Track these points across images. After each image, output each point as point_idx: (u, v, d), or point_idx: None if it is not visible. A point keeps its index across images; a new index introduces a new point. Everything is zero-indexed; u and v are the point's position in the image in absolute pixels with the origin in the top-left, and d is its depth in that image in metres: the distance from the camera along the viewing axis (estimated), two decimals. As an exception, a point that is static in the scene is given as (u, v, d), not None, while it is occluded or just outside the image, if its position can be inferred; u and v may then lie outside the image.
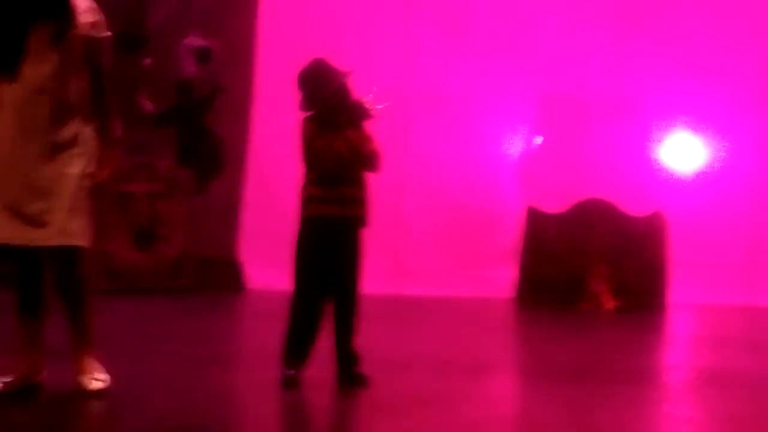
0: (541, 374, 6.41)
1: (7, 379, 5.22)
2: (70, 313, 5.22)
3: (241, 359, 5.97)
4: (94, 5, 5.23)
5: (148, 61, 10.10)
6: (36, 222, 5.05)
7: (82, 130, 5.17)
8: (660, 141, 9.80)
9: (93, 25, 5.19)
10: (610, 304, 9.26)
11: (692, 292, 9.50)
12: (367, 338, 5.76)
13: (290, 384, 5.56)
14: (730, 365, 6.75)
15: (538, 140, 9.98)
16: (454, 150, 9.89)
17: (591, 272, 9.41)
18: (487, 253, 9.80)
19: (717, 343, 7.77)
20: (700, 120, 9.70)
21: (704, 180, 9.72)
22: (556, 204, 9.74)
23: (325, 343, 5.65)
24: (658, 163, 9.80)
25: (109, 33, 5.26)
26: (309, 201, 5.62)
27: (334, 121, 5.62)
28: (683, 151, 9.83)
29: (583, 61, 9.83)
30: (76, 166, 5.12)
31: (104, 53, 5.23)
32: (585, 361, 6.84)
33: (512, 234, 9.76)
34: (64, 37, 5.08)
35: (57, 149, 5.08)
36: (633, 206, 9.64)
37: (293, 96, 5.62)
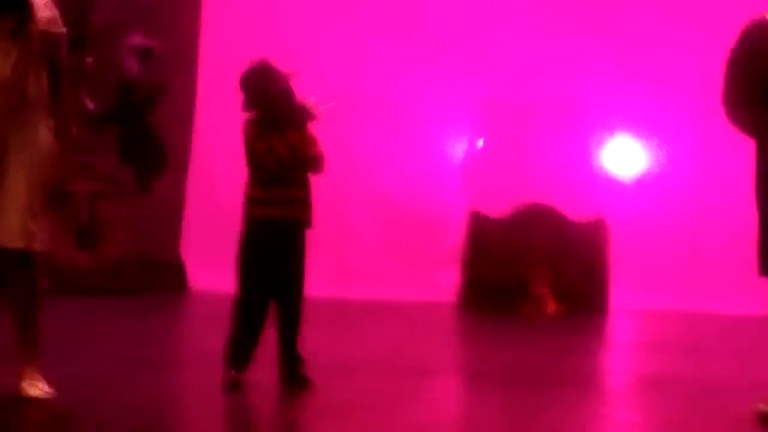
0: (484, 378, 6.43)
1: None
2: (19, 319, 5.09)
3: (184, 361, 5.95)
4: (50, 1, 5.12)
5: (89, 59, 10.01)
6: None
7: (40, 128, 5.05)
8: (601, 146, 9.85)
9: (50, 20, 5.07)
10: (551, 308, 9.31)
11: (633, 296, 9.57)
12: (311, 341, 5.75)
13: (233, 387, 5.54)
14: (670, 369, 6.81)
15: (480, 144, 10.01)
16: (397, 153, 9.89)
17: (533, 276, 9.45)
18: (431, 257, 9.81)
19: (657, 348, 7.83)
20: (641, 125, 9.78)
21: (645, 185, 9.80)
22: (498, 208, 9.76)
23: (268, 346, 5.63)
24: (600, 168, 9.85)
25: (65, 29, 5.15)
26: (252, 202, 5.60)
27: (276, 123, 5.61)
28: (624, 156, 9.90)
29: (525, 66, 9.87)
30: (34, 166, 5.00)
31: (61, 49, 5.12)
32: (527, 365, 6.87)
33: (455, 238, 9.78)
34: (23, 31, 4.95)
35: (15, 148, 4.97)
36: (575, 211, 9.69)
37: (237, 96, 5.59)
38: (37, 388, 5.04)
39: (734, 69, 5.18)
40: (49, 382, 5.10)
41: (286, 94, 5.64)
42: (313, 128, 5.72)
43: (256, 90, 5.60)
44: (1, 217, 4.93)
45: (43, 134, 5.06)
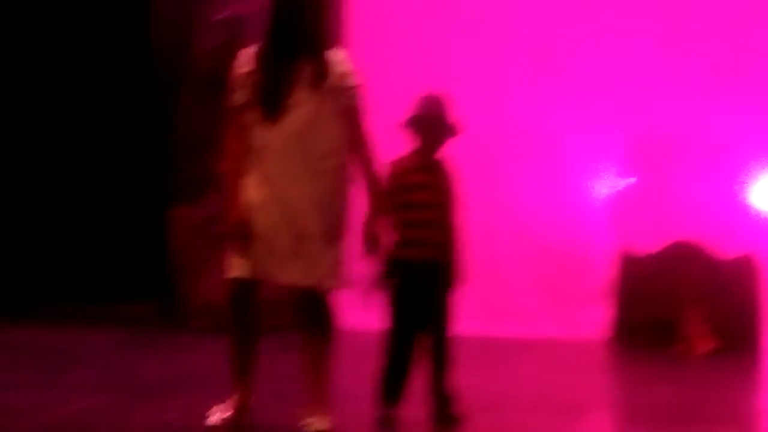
0: (637, 416, 6.38)
1: (226, 413, 5.38)
2: (314, 358, 5.44)
3: (337, 399, 5.98)
4: (346, 56, 5.45)
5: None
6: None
7: (334, 178, 5.36)
8: (750, 181, 9.71)
9: (346, 74, 5.39)
10: (704, 346, 9.17)
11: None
12: (461, 378, 5.77)
13: (386, 423, 5.60)
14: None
15: (629, 181, 9.95)
16: (544, 190, 9.87)
17: (684, 314, 9.34)
18: (580, 294, 9.75)
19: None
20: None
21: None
22: (647, 245, 9.67)
23: (421, 383, 5.67)
24: (749, 205, 9.71)
25: (361, 82, 5.44)
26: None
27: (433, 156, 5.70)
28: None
29: (674, 101, 9.78)
30: (329, 210, 5.35)
31: (357, 102, 5.41)
32: (681, 402, 6.79)
33: (604, 275, 9.71)
34: (323, 81, 5.28)
35: (309, 193, 5.30)
36: (723, 248, 9.55)
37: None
38: (326, 421, 5.30)
39: None
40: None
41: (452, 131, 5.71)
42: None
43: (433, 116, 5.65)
44: (313, 260, 5.28)
45: (340, 182, 5.37)
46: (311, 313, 5.39)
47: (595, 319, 9.60)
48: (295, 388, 5.49)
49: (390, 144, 5.73)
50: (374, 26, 9.92)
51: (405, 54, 9.83)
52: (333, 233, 5.32)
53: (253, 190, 5.27)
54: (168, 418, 5.70)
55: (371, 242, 5.42)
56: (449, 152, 5.84)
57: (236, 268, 5.32)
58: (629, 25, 9.81)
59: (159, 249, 9.69)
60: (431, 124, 5.67)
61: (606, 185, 9.93)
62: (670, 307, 9.41)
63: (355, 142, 5.38)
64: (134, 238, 10.19)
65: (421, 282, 5.64)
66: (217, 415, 5.37)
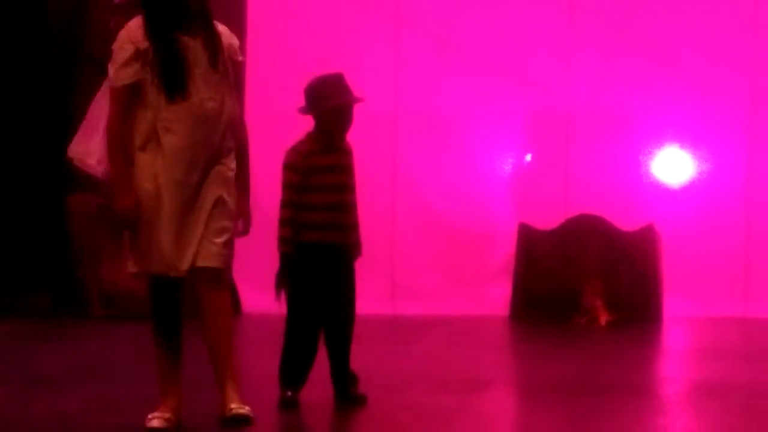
0: (539, 390, 6.43)
1: (166, 415, 5.11)
2: (216, 343, 5.18)
3: (243, 382, 5.93)
4: (228, 30, 5.21)
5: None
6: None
7: (231, 157, 5.14)
8: (650, 155, 9.82)
9: (235, 48, 5.18)
10: (604, 318, 9.27)
11: (686, 304, 9.51)
12: (363, 358, 5.78)
13: (289, 405, 5.58)
14: (726, 377, 6.77)
15: (528, 157, 10.01)
16: (444, 168, 9.89)
17: (584, 287, 9.43)
18: (481, 271, 9.80)
19: (712, 355, 7.79)
20: (690, 132, 9.73)
21: (695, 192, 9.74)
22: (547, 220, 9.75)
23: (323, 364, 5.66)
24: (649, 177, 9.82)
25: (242, 57, 5.26)
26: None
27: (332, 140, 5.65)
28: (673, 165, 9.86)
29: (572, 78, 9.85)
30: (228, 191, 5.11)
31: (242, 77, 5.25)
32: (581, 375, 6.85)
33: (505, 251, 9.77)
34: (217, 55, 5.03)
35: (213, 178, 5.08)
36: (625, 220, 9.66)
37: (285, 112, 5.63)
38: (244, 408, 5.09)
39: None
40: (115, 406, 5.18)
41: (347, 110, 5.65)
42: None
43: (323, 99, 5.59)
44: (202, 242, 5.02)
45: (232, 162, 5.14)
46: (212, 297, 5.12)
47: (496, 294, 9.66)
48: (207, 375, 5.38)
49: (278, 125, 5.68)
50: (271, 8, 9.85)
51: (302, 37, 9.76)
52: (226, 210, 5.09)
53: (146, 176, 5.00)
54: (66, 408, 5.62)
55: (244, 221, 5.23)
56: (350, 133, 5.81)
57: (131, 263, 5.11)
58: (526, 4, 9.85)
59: (56, 237, 9.54)
60: (343, 109, 5.62)
61: (506, 161, 9.98)
62: (572, 280, 9.50)
63: (237, 119, 5.19)
64: (29, 227, 9.99)
65: (325, 264, 5.62)
66: (157, 420, 5.06)
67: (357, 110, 5.71)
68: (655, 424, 5.47)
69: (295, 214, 5.58)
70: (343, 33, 9.80)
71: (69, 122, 9.74)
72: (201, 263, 5.03)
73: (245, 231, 5.27)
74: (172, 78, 4.95)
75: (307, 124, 5.69)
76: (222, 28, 5.15)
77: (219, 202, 5.05)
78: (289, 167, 5.60)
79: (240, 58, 5.20)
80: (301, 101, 5.64)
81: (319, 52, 9.33)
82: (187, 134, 4.97)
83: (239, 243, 5.29)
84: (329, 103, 5.56)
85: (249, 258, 9.25)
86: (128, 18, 9.10)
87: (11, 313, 9.25)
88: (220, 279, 5.13)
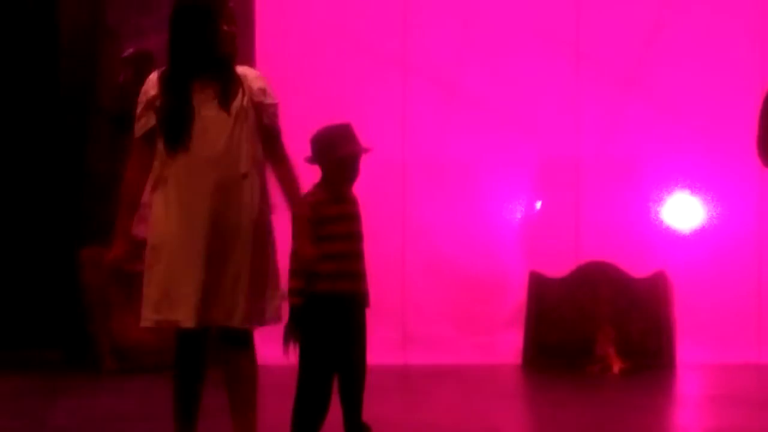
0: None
1: None
2: (238, 404, 5.17)
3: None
4: (260, 74, 5.17)
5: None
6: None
7: (258, 202, 5.06)
8: (660, 201, 9.82)
9: (262, 90, 5.10)
10: (617, 366, 9.24)
11: (700, 351, 9.48)
12: (375, 408, 5.75)
13: (301, 457, 5.55)
14: (740, 424, 6.73)
15: (538, 205, 10.02)
16: (454, 217, 9.90)
17: (597, 335, 9.40)
18: (492, 320, 9.79)
19: (727, 402, 7.75)
20: (700, 177, 9.73)
21: (706, 238, 9.73)
22: (558, 268, 9.74)
23: (336, 415, 5.64)
24: (659, 224, 9.82)
25: (277, 100, 5.18)
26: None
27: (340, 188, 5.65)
28: (684, 211, 9.86)
29: (581, 125, 9.88)
30: (256, 242, 5.04)
31: (277, 120, 5.15)
32: (596, 424, 6.82)
33: (516, 299, 9.76)
34: (231, 100, 4.98)
35: (233, 224, 4.99)
36: (636, 267, 9.65)
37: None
38: None
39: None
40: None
41: (354, 159, 5.65)
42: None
43: (330, 149, 5.60)
44: (225, 298, 4.95)
45: (260, 208, 5.07)
46: (233, 353, 5.12)
47: (508, 343, 9.64)
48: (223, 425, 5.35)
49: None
50: (279, 55, 9.90)
51: (306, 82, 9.80)
52: (258, 265, 5.03)
53: (160, 226, 4.96)
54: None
55: (301, 265, 5.16)
56: (358, 180, 5.82)
57: (145, 317, 5.02)
58: (534, 50, 9.89)
59: (67, 291, 9.55)
60: (351, 159, 5.63)
61: (516, 209, 9.99)
62: (583, 328, 9.47)
63: (276, 163, 5.10)
64: (40, 280, 9.99)
65: (338, 314, 5.60)
66: None
67: (365, 159, 5.73)
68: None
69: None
70: (350, 81, 9.84)
71: (80, 174, 9.82)
72: (230, 323, 4.99)
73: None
74: (173, 128, 4.92)
75: (315, 173, 5.70)
76: (248, 71, 5.11)
77: (248, 256, 4.99)
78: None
79: (267, 101, 5.09)
80: (308, 150, 5.65)
81: (326, 100, 9.37)
82: (187, 185, 4.92)
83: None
84: (336, 153, 5.57)
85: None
86: (137, 71, 9.23)
87: (23, 367, 9.25)
88: (244, 337, 5.09)
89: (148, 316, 5.02)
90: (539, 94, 9.89)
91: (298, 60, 9.93)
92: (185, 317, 4.92)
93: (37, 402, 7.88)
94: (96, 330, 9.29)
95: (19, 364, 9.32)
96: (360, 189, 5.80)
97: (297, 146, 5.65)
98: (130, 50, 9.55)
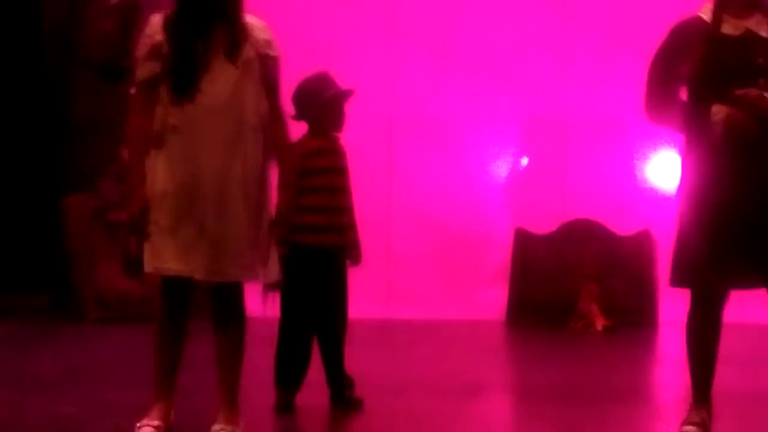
0: (534, 395, 6.42)
1: (155, 422, 4.95)
2: (225, 356, 5.06)
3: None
4: (265, 24, 5.04)
5: (132, 91, 10.02)
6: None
7: (260, 155, 4.93)
8: (646, 160, 9.82)
9: (268, 42, 4.98)
10: (600, 323, 9.27)
11: (682, 309, 9.48)
12: (358, 362, 5.77)
13: (284, 408, 5.58)
14: (721, 382, 6.74)
15: (524, 161, 10.01)
16: (439, 173, 9.90)
17: (580, 291, 9.43)
18: (477, 276, 9.80)
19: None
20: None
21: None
22: (543, 225, 9.76)
23: (318, 367, 5.66)
24: (645, 182, 9.82)
25: (279, 53, 5.03)
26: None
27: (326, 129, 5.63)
28: (669, 169, 9.85)
29: (567, 82, 9.87)
30: (257, 196, 4.92)
31: (278, 73, 5.02)
32: (577, 380, 6.85)
33: (501, 256, 9.78)
34: (238, 51, 4.87)
35: (236, 176, 4.86)
36: (620, 225, 9.67)
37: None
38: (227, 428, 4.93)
39: (661, 62, 5.16)
40: (110, 410, 5.12)
41: (339, 101, 5.62)
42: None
43: (311, 97, 5.56)
44: (224, 251, 4.85)
45: (263, 161, 4.95)
46: (224, 308, 5.01)
47: (492, 299, 9.66)
48: (208, 379, 5.33)
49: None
50: (263, 16, 9.82)
51: (292, 38, 9.73)
52: (257, 218, 4.89)
53: (160, 176, 4.82)
54: (62, 411, 5.60)
55: (282, 224, 5.02)
56: (346, 136, 5.81)
57: (147, 262, 4.89)
58: (520, 7, 9.87)
59: (51, 239, 9.53)
60: (340, 103, 5.62)
61: (502, 166, 9.99)
62: (567, 284, 9.50)
63: (272, 117, 4.96)
64: (25, 229, 9.96)
65: (320, 268, 5.61)
66: (146, 427, 4.90)
67: (352, 113, 5.72)
68: (651, 430, 5.47)
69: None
70: (337, 39, 9.79)
71: (65, 124, 9.76)
72: (220, 278, 4.90)
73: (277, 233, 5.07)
74: (180, 77, 4.81)
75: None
76: (255, 22, 5.00)
77: (248, 210, 4.89)
78: None
79: (272, 53, 4.97)
80: (291, 108, 5.61)
81: (312, 59, 9.28)
82: (193, 135, 4.81)
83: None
84: (319, 98, 5.57)
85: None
86: (124, 19, 9.15)
87: (6, 314, 9.24)
88: (235, 291, 5.00)
89: (155, 264, 4.89)
90: (526, 51, 9.87)
91: (285, 15, 9.86)
92: (195, 269, 4.84)
93: (17, 349, 7.87)
94: (79, 279, 9.29)
95: (5, 310, 9.31)
96: (347, 144, 5.79)
97: (285, 106, 5.63)
98: (116, -1, 9.47)
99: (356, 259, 5.76)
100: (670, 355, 8.72)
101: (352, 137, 5.85)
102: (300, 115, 5.63)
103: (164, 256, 4.85)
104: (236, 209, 4.85)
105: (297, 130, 5.55)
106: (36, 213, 9.83)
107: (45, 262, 9.71)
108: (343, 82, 5.69)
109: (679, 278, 5.25)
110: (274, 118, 4.99)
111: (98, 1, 9.63)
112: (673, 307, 9.54)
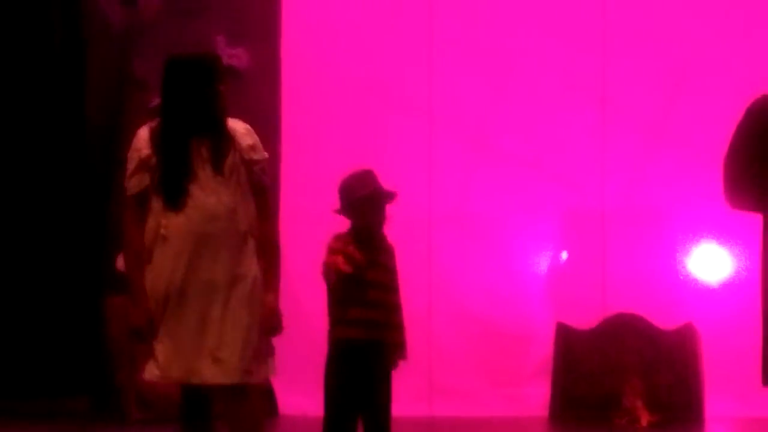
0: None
1: None
2: None
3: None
4: (250, 128, 5.15)
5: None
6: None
7: (254, 258, 5.04)
8: (687, 252, 9.78)
9: (252, 147, 5.08)
10: (645, 419, 9.16)
11: (728, 404, 9.38)
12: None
13: None
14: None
15: (564, 255, 9.99)
16: (479, 268, 9.88)
17: (624, 387, 9.33)
18: (520, 371, 9.73)
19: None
20: (727, 228, 9.67)
21: (733, 289, 9.66)
22: (585, 319, 9.69)
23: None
24: (687, 275, 9.76)
25: (266, 155, 5.17)
26: (332, 323, 5.57)
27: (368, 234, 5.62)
28: (711, 262, 9.80)
29: (607, 175, 9.87)
30: (254, 298, 5.01)
31: (265, 176, 5.14)
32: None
33: (543, 351, 9.71)
34: (222, 158, 4.98)
35: (233, 281, 4.96)
36: (663, 319, 9.59)
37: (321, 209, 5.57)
38: None
39: (742, 147, 4.99)
40: None
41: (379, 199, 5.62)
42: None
43: (351, 192, 5.59)
44: (221, 354, 4.92)
45: (255, 263, 5.04)
46: (232, 409, 5.06)
47: (535, 395, 9.58)
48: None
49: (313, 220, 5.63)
50: (303, 104, 9.93)
51: (333, 133, 9.83)
52: (253, 321, 4.99)
53: (156, 282, 4.92)
54: None
55: (271, 322, 5.11)
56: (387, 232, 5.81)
57: (149, 370, 5.00)
58: (560, 99, 9.91)
59: (91, 341, 9.55)
60: (377, 201, 5.62)
61: (542, 260, 9.96)
62: (611, 380, 9.40)
63: (258, 218, 5.07)
64: (67, 330, 9.99)
65: (364, 364, 5.57)
66: None
67: (392, 209, 5.71)
68: None
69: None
70: (377, 132, 9.88)
71: (106, 224, 9.84)
72: (215, 381, 4.96)
73: (275, 331, 5.17)
74: (170, 186, 4.91)
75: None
76: (239, 126, 5.10)
77: (238, 314, 4.95)
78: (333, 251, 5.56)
79: (256, 157, 5.08)
80: (336, 202, 5.63)
81: (353, 151, 9.35)
82: (183, 243, 4.90)
83: (278, 343, 5.22)
84: (355, 194, 5.57)
85: (285, 358, 9.21)
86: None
87: (49, 417, 9.23)
88: (239, 392, 5.03)
89: (151, 371, 5.01)
90: (565, 144, 9.89)
91: (325, 111, 9.96)
92: (181, 374, 4.94)
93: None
94: (122, 380, 9.29)
95: (47, 414, 9.30)
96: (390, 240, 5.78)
97: (325, 197, 5.65)
98: (158, 101, 9.57)
99: (402, 357, 5.71)
100: (717, 451, 8.60)
101: (391, 232, 5.84)
102: (341, 209, 5.64)
103: (163, 363, 4.94)
104: (233, 313, 4.92)
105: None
106: (78, 315, 9.87)
107: (85, 364, 9.72)
108: (384, 181, 5.69)
109: None
110: (262, 219, 5.09)
111: (140, 103, 9.73)
112: (719, 402, 9.45)
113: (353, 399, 5.56)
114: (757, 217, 9.52)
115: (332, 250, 5.47)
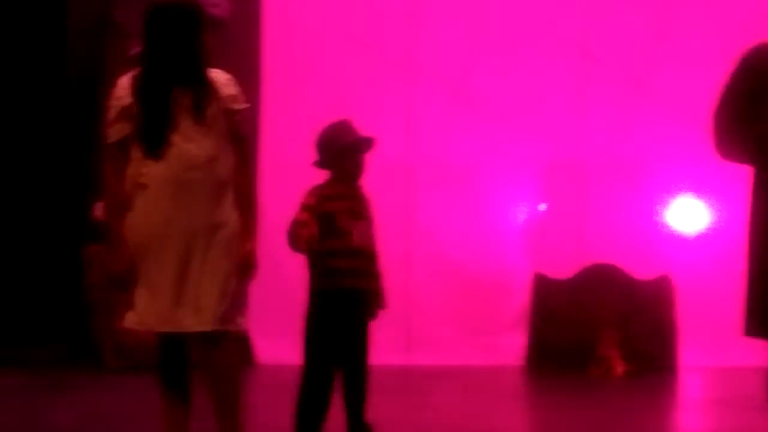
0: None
1: None
2: (215, 405, 5.12)
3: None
4: (232, 78, 5.15)
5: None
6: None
7: (231, 206, 5.07)
8: (665, 204, 9.82)
9: (233, 97, 5.08)
10: (620, 368, 9.24)
11: (702, 354, 9.47)
12: (378, 409, 5.74)
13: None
14: (743, 427, 6.72)
15: (543, 207, 10.02)
16: (459, 219, 9.91)
17: (600, 337, 9.40)
18: (496, 321, 9.79)
19: (729, 405, 7.74)
20: (705, 181, 9.72)
21: (710, 241, 9.72)
22: (563, 270, 9.74)
23: (339, 415, 5.64)
24: (664, 226, 9.81)
25: (247, 104, 5.19)
26: (314, 274, 5.60)
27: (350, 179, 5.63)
28: (688, 214, 9.85)
29: (587, 127, 9.88)
30: (230, 246, 5.03)
31: (245, 125, 5.17)
32: (597, 426, 6.82)
33: (520, 301, 9.76)
34: (203, 108, 4.98)
35: (211, 229, 4.98)
36: (640, 270, 9.64)
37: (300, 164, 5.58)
38: None
39: (732, 97, 4.94)
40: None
41: (358, 148, 5.63)
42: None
43: (331, 143, 5.59)
44: (199, 301, 4.95)
45: (234, 212, 5.07)
46: (209, 357, 5.07)
47: (512, 345, 9.64)
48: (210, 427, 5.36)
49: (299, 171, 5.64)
50: (283, 55, 9.90)
51: (313, 85, 9.81)
52: (231, 269, 5.01)
53: (135, 230, 4.94)
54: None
55: (246, 267, 5.12)
56: (366, 184, 5.82)
57: (127, 317, 5.03)
58: (541, 51, 9.91)
59: (69, 289, 9.55)
60: (359, 150, 5.63)
61: (521, 211, 9.99)
62: (587, 330, 9.47)
63: (237, 169, 5.09)
64: (44, 277, 9.99)
65: (342, 312, 5.60)
66: None
67: (372, 159, 5.72)
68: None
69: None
70: (356, 83, 9.85)
71: (87, 173, 9.81)
72: (194, 328, 4.99)
73: (248, 274, 5.18)
74: (151, 134, 4.92)
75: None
76: (221, 76, 5.10)
77: (217, 263, 4.99)
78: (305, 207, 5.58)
79: (237, 107, 5.09)
80: (314, 155, 5.64)
81: (332, 102, 9.35)
82: (163, 191, 4.92)
83: (254, 291, 5.24)
84: (337, 145, 5.58)
85: (263, 307, 9.26)
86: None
87: (25, 364, 9.25)
88: (216, 339, 5.06)
89: (130, 318, 5.04)
90: (545, 96, 9.90)
91: (304, 62, 9.93)
92: (158, 322, 4.97)
93: (37, 398, 7.88)
94: (98, 327, 9.31)
95: (23, 361, 9.32)
96: (366, 190, 5.79)
97: (304, 149, 5.66)
98: (138, 49, 9.52)
99: (381, 306, 5.74)
100: (690, 401, 8.68)
101: (371, 185, 5.85)
102: (320, 162, 5.64)
103: (143, 312, 4.97)
104: (213, 262, 4.95)
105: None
106: (56, 262, 9.87)
107: (64, 311, 9.73)
108: (362, 130, 5.71)
109: (755, 328, 4.80)
110: (241, 169, 5.12)
111: (120, 51, 9.67)
112: (693, 352, 9.54)
113: (334, 349, 5.60)
114: (737, 170, 9.64)
115: (304, 207, 5.49)
